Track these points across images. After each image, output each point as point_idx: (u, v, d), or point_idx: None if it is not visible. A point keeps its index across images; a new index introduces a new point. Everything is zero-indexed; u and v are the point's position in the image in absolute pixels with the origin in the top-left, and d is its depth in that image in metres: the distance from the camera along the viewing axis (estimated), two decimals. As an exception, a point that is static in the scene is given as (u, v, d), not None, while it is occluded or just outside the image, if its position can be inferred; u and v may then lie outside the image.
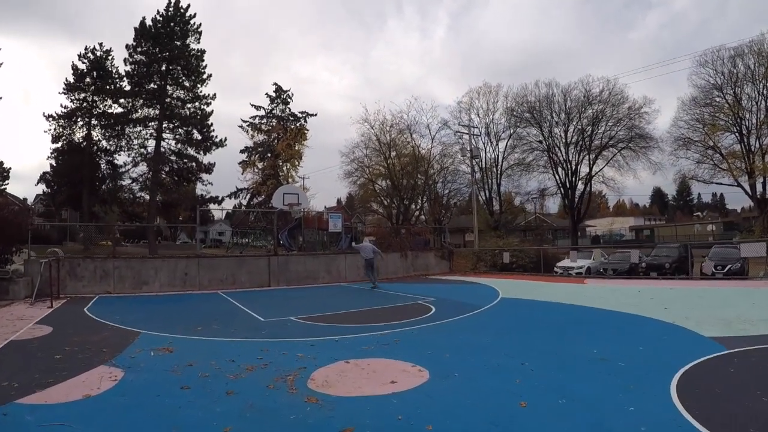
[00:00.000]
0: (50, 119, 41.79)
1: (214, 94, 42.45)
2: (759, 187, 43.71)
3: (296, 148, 49.34)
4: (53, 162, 42.92)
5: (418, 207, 50.28)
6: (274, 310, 14.03)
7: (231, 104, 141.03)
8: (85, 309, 13.89)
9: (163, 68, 40.47)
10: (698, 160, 45.99)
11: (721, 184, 46.78)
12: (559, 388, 5.95)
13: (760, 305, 12.73)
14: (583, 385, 6.13)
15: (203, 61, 42.17)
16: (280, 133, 49.29)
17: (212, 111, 42.38)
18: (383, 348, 8.38)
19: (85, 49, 43.05)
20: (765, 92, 42.17)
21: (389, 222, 46.87)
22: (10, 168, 42.82)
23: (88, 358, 7.79)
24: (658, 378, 6.31)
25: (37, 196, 50.90)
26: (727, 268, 20.90)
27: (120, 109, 41.20)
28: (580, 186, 50.73)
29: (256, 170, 50.02)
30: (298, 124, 50.56)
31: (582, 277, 23.62)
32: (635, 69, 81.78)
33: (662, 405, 5.31)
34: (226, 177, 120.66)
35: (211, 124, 42.44)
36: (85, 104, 42.27)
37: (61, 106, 42.37)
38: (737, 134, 43.52)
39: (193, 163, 42.43)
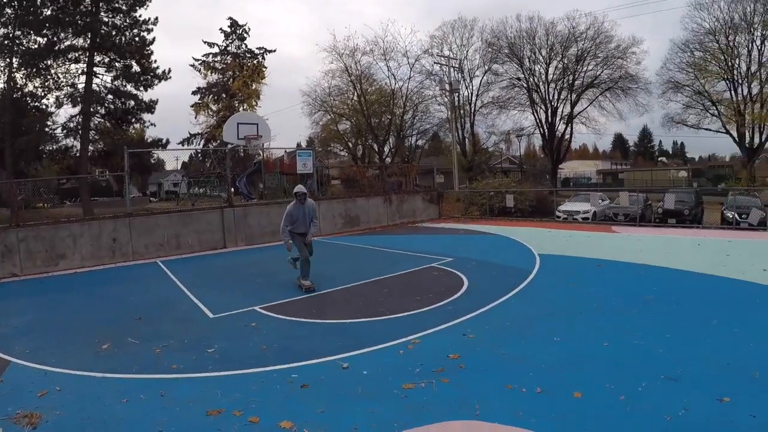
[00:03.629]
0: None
1: (156, 18, 36.00)
2: (747, 136, 42.97)
3: (253, 86, 44.70)
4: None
5: (392, 147, 46.61)
6: (230, 291, 9.62)
7: (181, 48, 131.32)
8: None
9: (94, -11, 33.91)
10: (687, 104, 44.87)
11: (709, 129, 45.56)
12: None
13: None
14: None
15: (142, -23, 35.56)
16: (236, 71, 44.66)
17: (154, 38, 36.35)
18: (440, 383, 4.61)
19: (4, -27, 35.99)
20: (760, 41, 41.08)
21: (354, 163, 43.26)
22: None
23: None
24: None
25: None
26: (759, 218, 18.76)
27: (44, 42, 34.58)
28: (561, 126, 48.02)
29: (210, 113, 45.24)
30: (255, 62, 45.77)
31: (604, 224, 20.50)
32: (623, 4, 78.47)
33: None
34: (176, 122, 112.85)
35: (152, 53, 36.52)
36: (6, 41, 35.67)
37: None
38: (728, 81, 42.40)
39: (132, 101, 36.47)
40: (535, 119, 47.87)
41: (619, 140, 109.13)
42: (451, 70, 36.97)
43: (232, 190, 20.11)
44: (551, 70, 46.23)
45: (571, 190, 43.10)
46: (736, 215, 19.65)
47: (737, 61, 41.82)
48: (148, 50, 36.32)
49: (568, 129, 48.12)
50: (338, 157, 50.12)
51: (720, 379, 4.67)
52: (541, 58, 46.17)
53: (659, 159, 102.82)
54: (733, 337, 5.82)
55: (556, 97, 46.77)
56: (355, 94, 43.60)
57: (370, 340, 5.84)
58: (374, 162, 41.43)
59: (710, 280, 8.99)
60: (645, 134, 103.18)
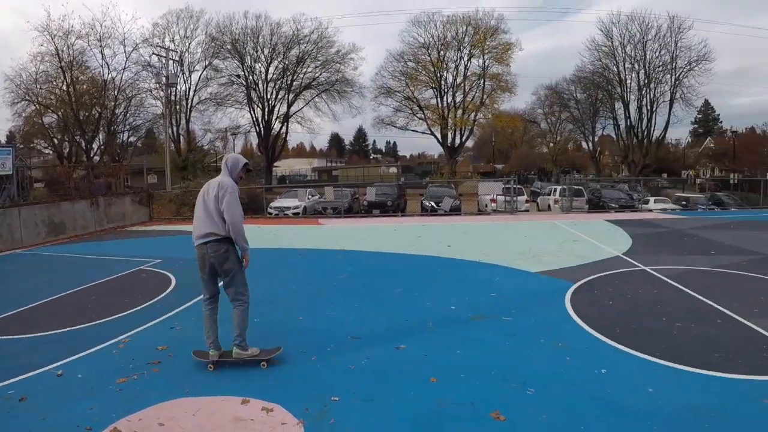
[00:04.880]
0: None
1: None
2: (449, 137, 51.22)
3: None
4: None
5: (101, 144, 43.18)
6: None
7: None
8: None
9: None
10: (397, 108, 52.19)
11: (416, 131, 53.65)
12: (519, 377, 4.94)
13: (533, 237, 14.15)
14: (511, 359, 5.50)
15: None
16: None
17: None
18: (152, 372, 5.24)
19: None
20: (467, 58, 49.76)
21: (59, 162, 39.14)
22: None
23: None
24: (556, 330, 6.26)
25: None
26: (450, 205, 22.83)
27: None
28: (277, 125, 50.73)
29: None
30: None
31: (313, 218, 22.57)
32: (349, 14, 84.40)
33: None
34: None
35: None
36: None
37: None
38: (436, 90, 50.75)
39: None
40: (252, 117, 49.57)
41: (336, 139, 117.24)
42: (171, 62, 36.03)
43: None
44: (272, 69, 48.64)
45: (283, 186, 45.26)
46: (433, 203, 23.13)
47: (445, 74, 50.19)
48: None
49: (284, 128, 50.95)
50: (43, 155, 45.63)
51: (399, 333, 6.11)
52: (263, 56, 48.21)
53: (373, 157, 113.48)
54: (413, 300, 7.50)
55: (274, 96, 49.20)
56: (65, 82, 39.36)
57: (82, 345, 6.08)
58: (82, 161, 38.19)
59: (400, 258, 11.15)
60: (360, 134, 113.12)
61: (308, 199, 26.38)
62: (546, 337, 5.99)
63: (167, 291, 8.76)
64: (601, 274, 9.36)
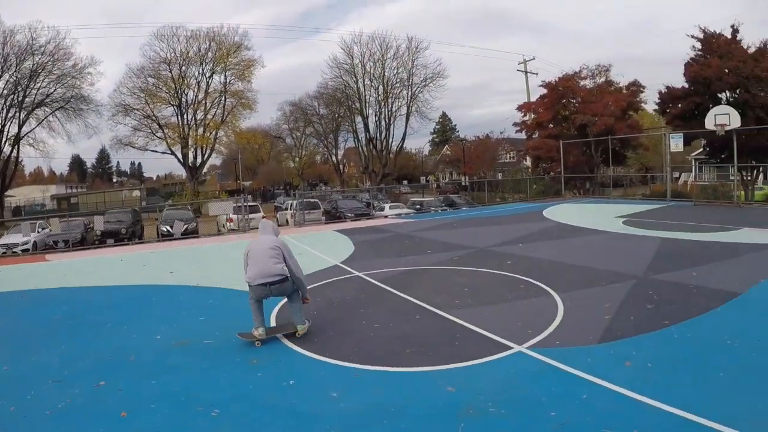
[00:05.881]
0: None
1: None
2: (191, 156, 50.48)
3: None
4: None
5: None
6: None
7: None
8: None
9: None
10: (136, 127, 49.52)
11: (156, 151, 51.57)
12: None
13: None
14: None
15: None
16: None
17: None
18: None
19: None
20: (209, 75, 49.30)
21: None
22: None
23: None
24: (254, 348, 6.55)
25: None
26: (184, 228, 22.67)
27: None
28: (7, 149, 44.69)
29: None
30: None
31: (40, 254, 19.98)
32: (86, 24, 77.26)
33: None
34: None
35: None
36: None
37: None
38: (176, 107, 49.09)
39: None
40: (-22, 141, 42.80)
41: (77, 162, 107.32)
42: None
43: None
44: (1, 84, 42.53)
45: (16, 220, 39.80)
46: (168, 227, 22.79)
47: (187, 90, 48.68)
48: None
49: (15, 151, 45.21)
50: None
51: (102, 370, 5.97)
52: (-9, 68, 41.79)
53: (117, 180, 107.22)
54: (121, 333, 7.30)
55: (4, 115, 43.22)
56: None
57: None
58: None
59: (120, 290, 10.59)
60: (103, 155, 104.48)
61: (38, 232, 24.27)
62: (242, 355, 6.31)
63: None
64: (315, 284, 9.71)
